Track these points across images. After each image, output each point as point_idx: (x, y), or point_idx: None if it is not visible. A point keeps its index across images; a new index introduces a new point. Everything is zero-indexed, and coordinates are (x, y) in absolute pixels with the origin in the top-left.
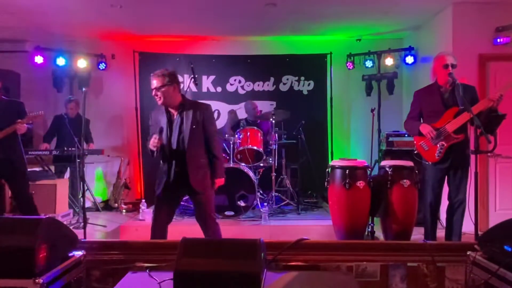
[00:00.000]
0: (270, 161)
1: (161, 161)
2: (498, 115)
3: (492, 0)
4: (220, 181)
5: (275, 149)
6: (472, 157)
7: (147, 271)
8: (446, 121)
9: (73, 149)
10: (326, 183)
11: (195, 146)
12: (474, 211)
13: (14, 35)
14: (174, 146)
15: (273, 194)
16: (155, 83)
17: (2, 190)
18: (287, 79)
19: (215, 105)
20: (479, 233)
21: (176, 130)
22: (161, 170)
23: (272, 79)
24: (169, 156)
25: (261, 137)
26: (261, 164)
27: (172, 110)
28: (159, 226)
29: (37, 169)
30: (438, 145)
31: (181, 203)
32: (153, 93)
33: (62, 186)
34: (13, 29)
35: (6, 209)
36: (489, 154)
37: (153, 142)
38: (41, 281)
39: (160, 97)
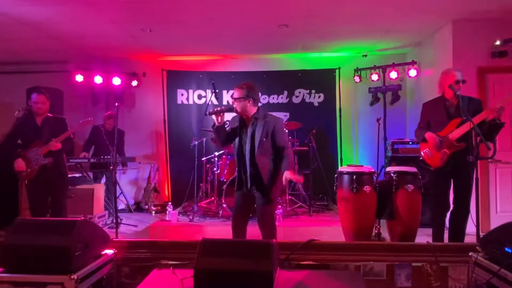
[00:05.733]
0: None
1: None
2: (497, 124)
3: (489, 17)
4: (290, 173)
5: None
6: None
7: (171, 268)
8: (450, 130)
9: (108, 157)
10: (335, 187)
11: (263, 154)
12: (475, 213)
13: (57, 57)
14: (245, 151)
15: (287, 197)
16: (235, 94)
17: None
18: (299, 92)
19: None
20: (481, 234)
21: (247, 139)
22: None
23: (285, 92)
24: (240, 160)
25: None
26: None
27: (246, 120)
28: (238, 223)
29: (77, 175)
30: (441, 152)
31: None
32: (232, 101)
33: (99, 190)
34: (57, 51)
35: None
36: (489, 160)
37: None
38: (75, 277)
39: (236, 107)
